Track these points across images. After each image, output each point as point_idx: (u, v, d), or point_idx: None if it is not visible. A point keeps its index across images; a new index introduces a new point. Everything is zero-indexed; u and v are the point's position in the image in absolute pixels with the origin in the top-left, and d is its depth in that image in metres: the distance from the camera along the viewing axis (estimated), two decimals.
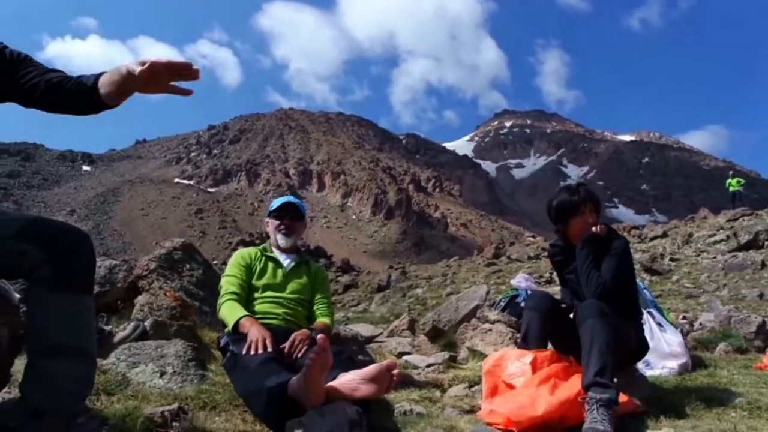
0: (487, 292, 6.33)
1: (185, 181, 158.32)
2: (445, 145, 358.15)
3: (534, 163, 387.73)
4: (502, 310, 5.74)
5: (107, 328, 3.29)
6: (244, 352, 2.62)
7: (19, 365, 1.95)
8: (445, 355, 4.88)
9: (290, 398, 2.23)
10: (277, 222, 3.33)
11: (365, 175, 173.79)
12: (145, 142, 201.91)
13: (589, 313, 2.85)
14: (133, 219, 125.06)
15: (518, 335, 5.25)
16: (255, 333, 2.69)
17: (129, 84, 1.85)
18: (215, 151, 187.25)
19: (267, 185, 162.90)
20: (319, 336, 2.22)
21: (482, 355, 4.65)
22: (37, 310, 1.74)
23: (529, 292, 5.75)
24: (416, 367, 4.39)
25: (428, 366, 4.39)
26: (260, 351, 2.59)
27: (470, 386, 3.67)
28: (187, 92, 1.88)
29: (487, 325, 5.16)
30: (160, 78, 1.83)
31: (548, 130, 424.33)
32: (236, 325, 2.83)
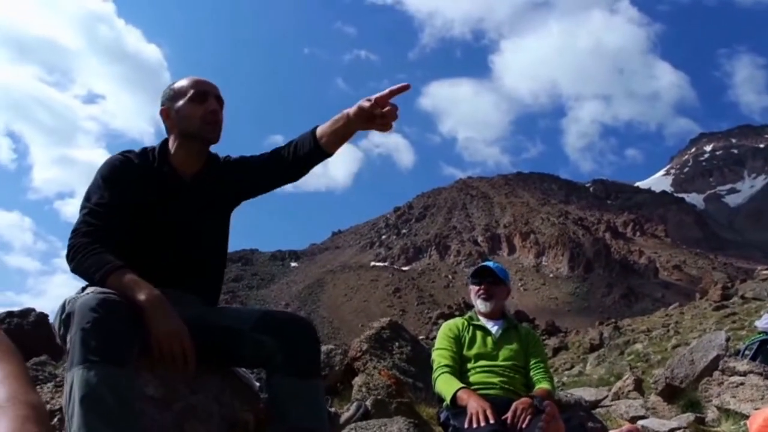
0: (727, 339, 5.48)
1: (380, 264, 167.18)
2: (637, 184, 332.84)
3: (751, 185, 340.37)
4: (752, 359, 4.91)
5: (332, 410, 3.45)
6: (465, 425, 2.53)
7: None
8: (690, 417, 4.26)
9: None
10: (476, 288, 3.28)
11: (556, 230, 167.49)
12: (340, 232, 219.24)
13: None
14: (338, 305, 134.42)
15: None
16: (474, 405, 2.60)
17: (351, 126, 2.03)
18: (404, 231, 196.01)
19: (458, 256, 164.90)
20: (547, 402, 2.05)
21: (738, 415, 3.97)
22: (277, 395, 1.88)
23: None
24: None
25: (671, 431, 3.85)
26: (482, 423, 2.48)
27: None
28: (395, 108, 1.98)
29: (737, 378, 4.41)
30: (377, 115, 1.97)
31: (761, 145, 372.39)
32: (454, 398, 2.77)
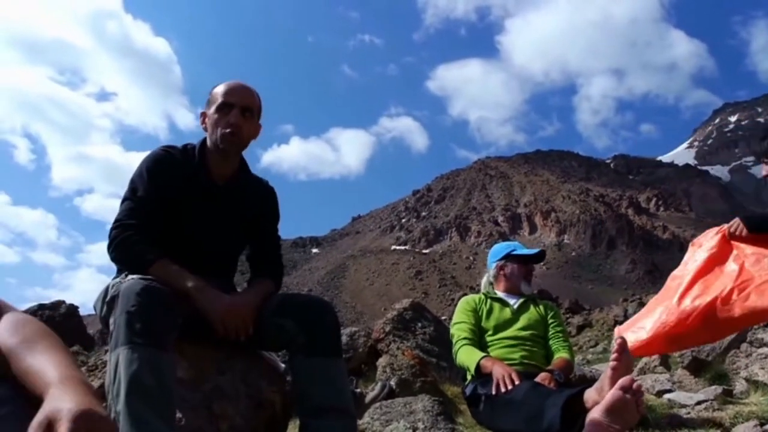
0: None
1: (401, 247, 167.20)
2: (660, 158, 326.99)
3: None
4: None
5: (358, 390, 3.49)
6: (493, 391, 2.54)
7: (292, 428, 2.16)
8: (717, 389, 4.21)
9: (579, 415, 1.98)
10: (521, 268, 3.22)
11: (577, 208, 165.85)
12: (360, 217, 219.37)
13: None
14: (360, 290, 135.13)
15: None
16: (499, 370, 2.60)
17: None
18: (423, 213, 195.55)
19: (478, 237, 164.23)
20: (618, 334, 2.06)
21: (767, 387, 3.92)
22: (300, 375, 1.93)
23: None
24: (684, 406, 3.84)
25: (699, 403, 3.81)
26: (509, 387, 2.49)
27: (761, 424, 3.07)
28: None
29: (765, 350, 4.36)
30: None
31: None
32: (477, 367, 2.76)
